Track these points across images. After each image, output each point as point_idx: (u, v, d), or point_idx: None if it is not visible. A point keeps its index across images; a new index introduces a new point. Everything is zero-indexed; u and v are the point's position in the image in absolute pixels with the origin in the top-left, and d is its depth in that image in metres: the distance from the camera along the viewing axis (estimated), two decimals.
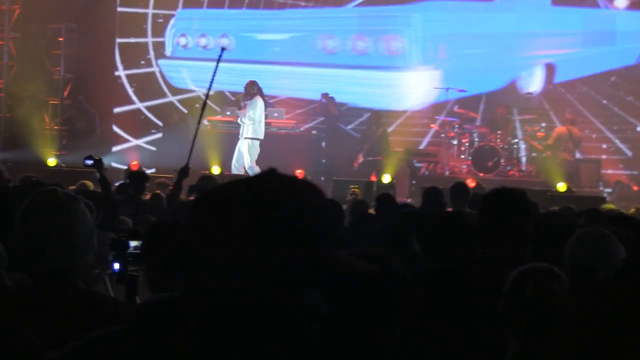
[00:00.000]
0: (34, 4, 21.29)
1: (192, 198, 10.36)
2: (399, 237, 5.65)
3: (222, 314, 1.69)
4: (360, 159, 20.20)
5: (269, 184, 1.76)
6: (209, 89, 13.92)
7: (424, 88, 21.56)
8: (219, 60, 13.79)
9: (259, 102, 18.81)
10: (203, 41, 23.82)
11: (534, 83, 22.06)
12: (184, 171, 11.41)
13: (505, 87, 21.93)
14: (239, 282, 1.69)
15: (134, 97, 23.27)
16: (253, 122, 18.71)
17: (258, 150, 18.77)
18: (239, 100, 19.14)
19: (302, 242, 1.72)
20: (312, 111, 22.44)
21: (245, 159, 18.70)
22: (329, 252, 1.77)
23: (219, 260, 1.70)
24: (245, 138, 18.78)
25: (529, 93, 21.38)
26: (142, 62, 23.58)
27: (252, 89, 18.89)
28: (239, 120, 19.02)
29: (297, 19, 23.25)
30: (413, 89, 21.96)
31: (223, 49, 13.86)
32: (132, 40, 23.39)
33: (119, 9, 23.22)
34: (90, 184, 12.21)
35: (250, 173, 18.27)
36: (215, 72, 13.85)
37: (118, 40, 23.23)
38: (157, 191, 11.70)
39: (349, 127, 21.93)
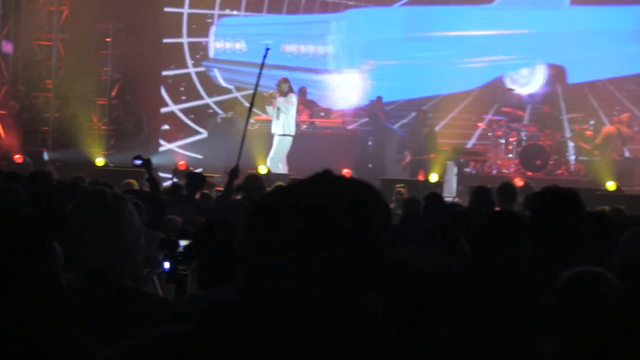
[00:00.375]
0: (81, 5, 21.45)
1: (239, 197, 10.40)
2: (449, 236, 5.62)
3: (285, 315, 1.68)
4: (408, 158, 20.13)
5: (324, 185, 1.75)
6: (256, 88, 13.99)
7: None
8: (264, 60, 13.87)
9: (293, 98, 18.96)
10: (241, 45, 23.89)
11: (532, 84, 22.00)
12: (234, 173, 11.51)
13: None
14: (299, 284, 1.69)
15: (171, 99, 23.33)
16: (286, 118, 18.83)
17: (289, 146, 18.86)
18: (271, 97, 19.23)
19: (359, 243, 1.71)
20: (359, 112, 22.45)
21: (273, 153, 18.88)
22: (386, 252, 1.75)
23: (278, 263, 1.69)
24: (278, 135, 18.96)
25: (510, 89, 21.31)
26: (189, 63, 23.62)
27: (285, 86, 19.00)
28: (272, 115, 19.16)
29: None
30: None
31: (268, 49, 13.94)
32: (178, 40, 23.47)
33: (166, 9, 23.31)
34: (135, 183, 12.28)
35: (270, 165, 18.43)
36: (260, 71, 13.93)
37: (165, 40, 23.32)
38: (206, 191, 11.74)
39: (396, 125, 21.87)
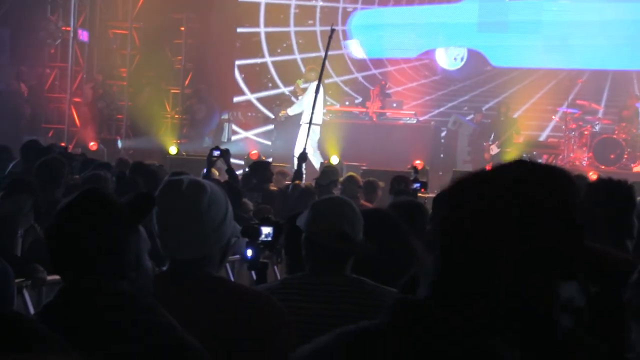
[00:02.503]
0: None
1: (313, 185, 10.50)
2: None
3: (485, 316, 1.65)
4: (494, 150, 19.93)
5: (526, 175, 1.71)
6: (321, 73, 14.11)
7: None
8: (329, 40, 14.02)
9: (320, 87, 18.99)
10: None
11: None
12: (302, 157, 11.68)
13: None
14: (508, 280, 1.65)
15: (245, 88, 23.34)
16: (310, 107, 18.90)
17: (318, 135, 18.91)
18: (299, 86, 19.26)
19: (566, 232, 1.68)
20: (429, 102, 22.36)
21: (300, 144, 18.90)
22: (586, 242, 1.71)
23: (488, 259, 1.66)
24: (305, 124, 19.03)
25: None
26: (266, 52, 23.57)
27: (312, 75, 18.99)
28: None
29: None
30: None
31: (333, 30, 14.10)
32: (254, 30, 23.50)
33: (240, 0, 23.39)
34: (216, 173, 12.42)
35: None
36: (327, 52, 14.11)
37: (239, 29, 23.38)
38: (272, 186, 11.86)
39: (467, 118, 21.75)
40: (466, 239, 1.68)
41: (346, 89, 22.74)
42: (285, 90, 22.87)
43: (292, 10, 23.47)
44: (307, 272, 3.87)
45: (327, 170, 11.85)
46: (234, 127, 22.69)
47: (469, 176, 1.75)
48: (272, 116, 22.29)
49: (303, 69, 21.49)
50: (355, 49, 23.19)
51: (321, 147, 18.55)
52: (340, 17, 23.27)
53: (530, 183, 1.69)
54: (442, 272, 1.70)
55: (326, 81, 21.78)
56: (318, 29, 22.91)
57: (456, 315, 1.66)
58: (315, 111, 18.76)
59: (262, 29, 23.39)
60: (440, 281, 1.70)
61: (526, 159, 1.75)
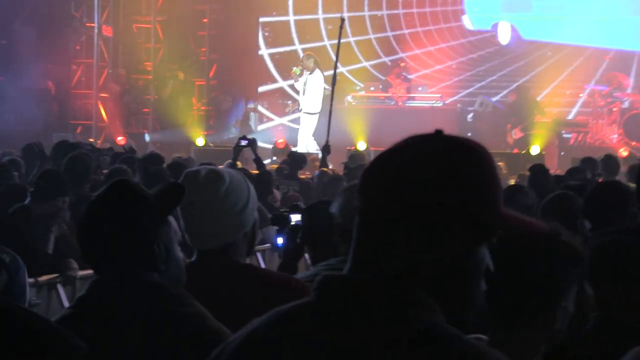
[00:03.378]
0: None
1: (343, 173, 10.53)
2: (569, 211, 5.45)
3: None
4: (518, 135, 19.72)
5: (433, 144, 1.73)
6: (336, 63, 14.18)
7: None
8: (340, 32, 14.14)
9: (319, 74, 18.93)
10: None
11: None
12: (325, 149, 11.78)
13: None
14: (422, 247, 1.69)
15: (277, 76, 23.29)
16: (312, 95, 18.86)
17: (315, 124, 19.08)
18: (295, 74, 19.26)
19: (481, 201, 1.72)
20: (456, 84, 22.26)
21: (305, 132, 18.93)
22: None
23: None
24: (305, 112, 19.02)
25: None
26: (296, 40, 23.44)
27: (310, 62, 18.95)
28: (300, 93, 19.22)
29: None
30: None
31: (343, 20, 14.26)
32: (279, 19, 23.44)
33: None
34: (238, 164, 12.45)
35: (305, 146, 18.50)
36: (339, 45, 14.23)
37: (261, 19, 23.33)
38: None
39: (495, 99, 21.63)
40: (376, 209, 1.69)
41: (375, 72, 22.62)
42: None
43: None
44: (341, 257, 3.85)
45: (355, 155, 11.90)
46: (264, 111, 22.74)
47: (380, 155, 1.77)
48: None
49: (334, 57, 21.49)
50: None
51: (348, 133, 18.54)
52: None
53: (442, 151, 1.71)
54: (358, 245, 1.72)
55: (353, 66, 21.83)
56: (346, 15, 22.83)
57: (375, 288, 1.67)
58: (315, 100, 18.87)
59: (291, 17, 23.30)
60: (357, 255, 1.72)
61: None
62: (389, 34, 23.23)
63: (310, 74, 18.95)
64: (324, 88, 18.91)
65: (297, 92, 20.09)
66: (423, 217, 1.66)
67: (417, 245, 1.66)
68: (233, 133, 20.85)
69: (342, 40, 14.31)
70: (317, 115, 19.06)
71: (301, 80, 19.11)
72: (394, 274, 1.67)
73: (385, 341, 1.62)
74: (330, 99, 14.08)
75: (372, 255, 1.69)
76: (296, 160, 11.29)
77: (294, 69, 19.44)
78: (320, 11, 23.10)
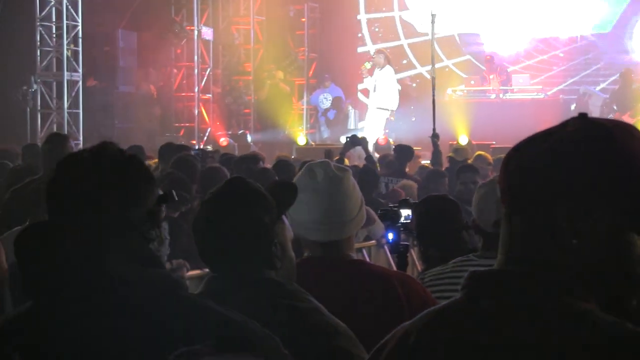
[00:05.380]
0: None
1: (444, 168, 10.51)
2: None
3: None
4: (628, 121, 19.35)
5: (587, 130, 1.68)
6: (432, 57, 14.21)
7: None
8: (432, 25, 14.16)
9: (389, 70, 18.75)
10: None
11: None
12: (435, 136, 12.01)
13: None
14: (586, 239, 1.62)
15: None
16: (383, 92, 18.70)
17: (384, 120, 19.01)
18: (366, 68, 19.14)
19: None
20: (561, 73, 21.91)
21: (374, 128, 18.75)
22: None
23: None
24: (376, 108, 18.86)
25: None
26: (402, 35, 23.31)
27: (381, 58, 18.80)
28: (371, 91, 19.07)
29: None
30: None
31: (433, 15, 14.27)
32: (378, 15, 23.37)
33: None
34: (346, 161, 12.51)
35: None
36: (432, 37, 14.26)
37: (366, 16, 23.29)
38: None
39: (597, 88, 21.27)
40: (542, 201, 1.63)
41: (475, 62, 22.38)
42: (423, 70, 22.59)
43: None
44: (479, 252, 3.85)
45: (460, 149, 11.90)
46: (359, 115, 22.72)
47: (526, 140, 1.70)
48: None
49: (441, 52, 21.42)
50: None
51: (448, 127, 18.42)
52: None
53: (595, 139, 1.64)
54: (510, 239, 1.67)
55: (456, 60, 21.69)
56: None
57: (534, 280, 1.61)
58: (386, 97, 18.78)
59: (396, 13, 23.19)
60: (511, 249, 1.67)
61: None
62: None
63: (380, 69, 18.88)
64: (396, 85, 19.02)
65: (367, 92, 20.17)
66: (580, 201, 1.61)
67: (574, 234, 1.60)
68: (334, 131, 20.91)
69: (442, 35, 14.37)
70: (389, 112, 18.99)
71: (372, 77, 19.09)
72: (553, 264, 1.61)
73: (583, 345, 1.55)
74: (432, 90, 14.19)
75: (529, 246, 1.64)
76: (404, 153, 11.31)
77: (365, 63, 19.43)
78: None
